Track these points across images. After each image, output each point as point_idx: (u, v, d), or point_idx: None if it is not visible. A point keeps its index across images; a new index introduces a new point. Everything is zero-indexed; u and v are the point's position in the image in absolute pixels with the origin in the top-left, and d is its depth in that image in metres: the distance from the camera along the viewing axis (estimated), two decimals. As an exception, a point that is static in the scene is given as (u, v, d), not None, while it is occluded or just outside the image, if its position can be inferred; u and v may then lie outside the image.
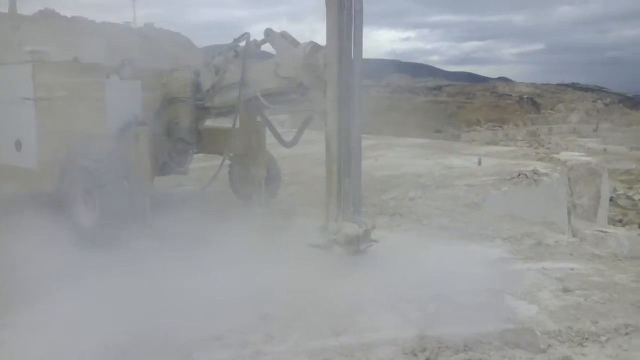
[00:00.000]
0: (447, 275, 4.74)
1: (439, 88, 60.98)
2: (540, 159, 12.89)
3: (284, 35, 5.44)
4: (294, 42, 5.39)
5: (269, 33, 5.45)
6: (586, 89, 55.95)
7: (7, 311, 4.15)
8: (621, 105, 50.94)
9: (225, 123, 7.28)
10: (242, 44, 5.70)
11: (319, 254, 5.21)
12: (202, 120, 6.38)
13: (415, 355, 3.56)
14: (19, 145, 6.51)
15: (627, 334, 3.81)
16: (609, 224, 13.95)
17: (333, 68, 4.96)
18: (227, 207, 7.64)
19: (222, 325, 3.96)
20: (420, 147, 15.33)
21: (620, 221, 20.38)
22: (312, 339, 3.77)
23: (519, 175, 10.21)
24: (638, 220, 23.29)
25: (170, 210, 7.23)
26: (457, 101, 58.51)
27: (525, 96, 57.92)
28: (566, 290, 4.56)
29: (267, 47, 5.85)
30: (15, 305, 4.26)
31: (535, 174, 10.33)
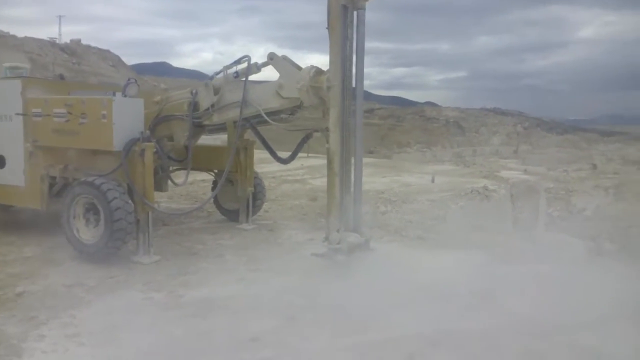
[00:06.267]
0: (443, 279, 5.23)
1: (371, 110, 62.99)
2: (485, 177, 14.02)
3: (285, 59, 5.80)
4: (296, 65, 5.76)
5: (272, 56, 5.78)
6: (506, 114, 60.19)
7: (39, 324, 4.13)
8: (538, 128, 55.28)
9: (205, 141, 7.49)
10: (242, 65, 5.97)
11: (322, 263, 5.56)
12: (196, 137, 6.54)
13: (438, 346, 3.97)
14: (2, 161, 6.35)
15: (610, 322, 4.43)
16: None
17: (336, 90, 5.39)
18: (213, 222, 7.79)
19: (254, 327, 4.18)
20: (372, 166, 16.06)
21: (544, 236, 22.28)
22: (342, 336, 4.09)
23: (472, 191, 11.11)
24: (558, 234, 25.39)
25: (163, 226, 7.32)
26: (389, 123, 60.69)
27: (451, 120, 61.09)
28: (548, 288, 5.17)
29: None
30: (45, 316, 4.25)
31: (486, 190, 11.29)
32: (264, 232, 7.29)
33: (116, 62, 54.98)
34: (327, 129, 5.51)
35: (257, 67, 5.93)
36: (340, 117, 5.43)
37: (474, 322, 4.33)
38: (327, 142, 5.52)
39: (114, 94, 5.61)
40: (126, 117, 5.53)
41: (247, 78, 5.89)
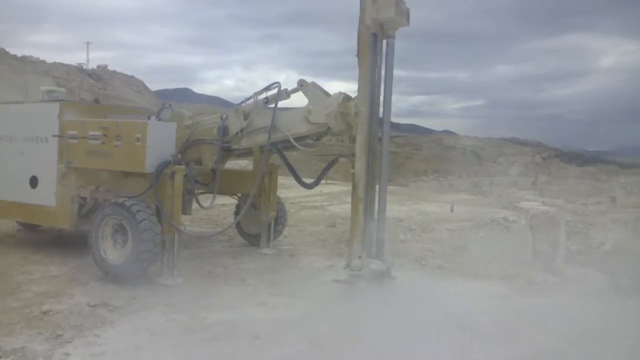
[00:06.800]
0: (467, 309, 5.20)
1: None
2: (504, 207, 13.94)
3: (315, 85, 5.93)
4: (324, 92, 5.89)
5: (302, 83, 5.93)
6: (524, 144, 59.87)
7: (64, 342, 4.21)
8: (557, 159, 54.78)
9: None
10: (272, 91, 6.13)
11: (343, 289, 5.57)
12: (224, 161, 6.68)
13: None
14: (34, 182, 6.53)
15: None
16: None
17: (364, 116, 5.47)
18: (234, 246, 7.87)
19: (276, 352, 4.19)
20: (390, 194, 16.01)
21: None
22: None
23: (492, 221, 11.05)
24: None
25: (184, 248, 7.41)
26: (406, 151, 60.61)
27: (469, 148, 60.88)
28: (571, 321, 5.11)
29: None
30: (71, 335, 4.32)
31: (506, 220, 11.22)
32: (284, 257, 7.33)
33: (140, 87, 56.31)
34: (353, 155, 5.58)
35: (287, 93, 6.07)
36: (367, 144, 5.49)
37: (499, 354, 4.29)
38: (353, 167, 5.58)
39: (148, 118, 5.78)
40: (159, 141, 5.68)
41: (276, 104, 6.04)
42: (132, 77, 55.15)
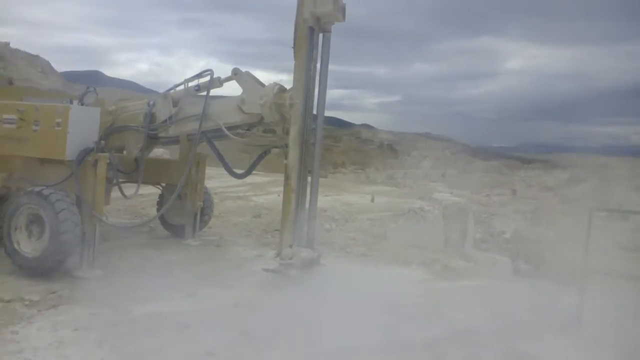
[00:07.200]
0: (390, 293, 5.49)
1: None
2: (420, 198, 14.65)
3: (249, 75, 5.90)
4: (259, 82, 5.88)
5: (236, 72, 5.88)
6: (436, 138, 63.02)
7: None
8: (465, 154, 58.22)
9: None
10: (204, 79, 6.02)
11: (273, 278, 5.64)
12: (149, 149, 6.46)
13: (390, 356, 4.18)
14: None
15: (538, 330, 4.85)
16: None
17: (298, 108, 5.54)
18: (157, 238, 7.64)
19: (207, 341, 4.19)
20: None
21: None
22: (297, 348, 4.18)
23: (409, 211, 11.61)
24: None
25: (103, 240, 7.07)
26: (325, 144, 61.47)
27: (386, 142, 62.96)
28: (484, 302, 5.56)
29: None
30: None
31: (422, 210, 11.83)
32: (210, 247, 7.25)
33: (46, 68, 52.12)
34: (285, 146, 5.64)
35: (220, 82, 6.00)
36: (300, 135, 5.57)
37: (420, 333, 4.58)
38: (285, 158, 5.64)
39: (71, 102, 5.45)
40: (82, 126, 5.40)
41: (208, 92, 5.94)
42: (37, 56, 50.99)
